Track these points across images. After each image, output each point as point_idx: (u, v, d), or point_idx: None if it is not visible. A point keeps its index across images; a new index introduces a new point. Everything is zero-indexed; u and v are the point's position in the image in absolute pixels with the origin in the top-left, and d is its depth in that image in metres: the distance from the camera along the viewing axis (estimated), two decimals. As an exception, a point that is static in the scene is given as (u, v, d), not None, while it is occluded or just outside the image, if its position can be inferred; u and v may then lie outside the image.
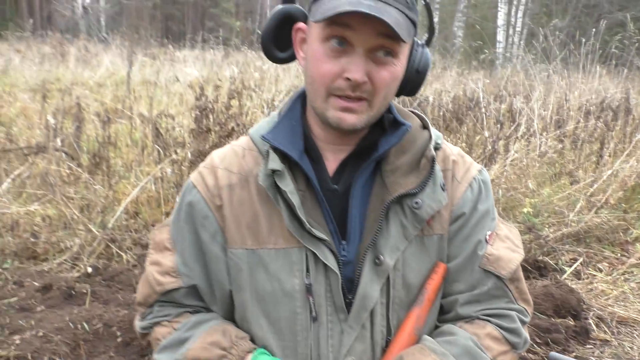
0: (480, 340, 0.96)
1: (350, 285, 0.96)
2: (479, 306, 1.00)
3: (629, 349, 2.74)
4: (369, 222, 0.96)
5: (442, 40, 16.84)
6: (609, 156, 4.92)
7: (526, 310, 1.03)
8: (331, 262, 0.93)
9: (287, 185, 0.92)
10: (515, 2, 18.75)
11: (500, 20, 17.15)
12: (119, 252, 3.24)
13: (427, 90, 6.43)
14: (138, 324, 1.07)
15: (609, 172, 4.47)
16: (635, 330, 2.91)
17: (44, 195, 3.43)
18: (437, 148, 1.01)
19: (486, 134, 4.87)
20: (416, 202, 0.94)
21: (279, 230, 0.96)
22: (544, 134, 5.18)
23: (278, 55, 1.00)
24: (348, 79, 0.86)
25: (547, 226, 4.02)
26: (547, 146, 4.94)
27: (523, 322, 1.02)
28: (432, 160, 0.96)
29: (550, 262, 3.59)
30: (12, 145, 3.84)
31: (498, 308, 1.00)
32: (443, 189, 0.97)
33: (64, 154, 3.96)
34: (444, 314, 1.04)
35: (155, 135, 3.97)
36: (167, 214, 3.66)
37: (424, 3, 0.97)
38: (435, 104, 5.72)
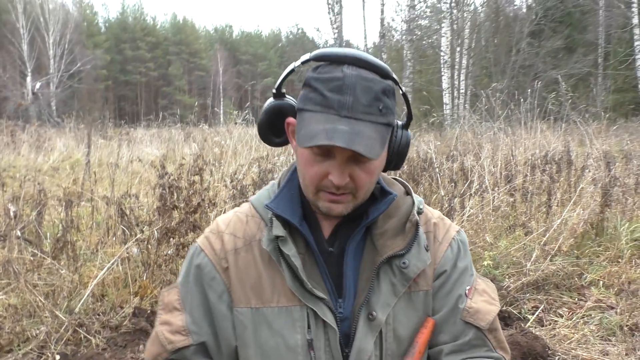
0: None
1: (347, 340, 1.05)
2: (462, 355, 1.08)
3: (595, 390, 2.85)
4: (362, 281, 1.07)
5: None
6: (557, 206, 5.19)
7: (504, 358, 1.12)
8: (330, 319, 1.03)
9: (290, 249, 1.03)
10: (457, 67, 19.81)
11: (445, 84, 18.07)
12: (87, 336, 3.19)
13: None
14: None
15: (559, 221, 4.72)
16: (599, 371, 3.03)
17: (7, 284, 3.37)
18: (419, 212, 1.12)
19: (442, 192, 5.09)
20: (403, 262, 1.05)
21: (281, 290, 1.06)
22: (496, 189, 5.45)
23: (274, 140, 1.13)
24: (332, 181, 0.99)
25: (507, 277, 4.18)
26: (499, 200, 5.18)
27: None
28: (417, 225, 1.08)
29: (514, 311, 3.72)
30: (-29, 236, 3.79)
31: (479, 357, 1.08)
32: (427, 250, 1.08)
33: (25, 240, 3.93)
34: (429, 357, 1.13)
35: (120, 215, 4.00)
36: (136, 294, 3.64)
37: (401, 93, 1.09)
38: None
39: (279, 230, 1.03)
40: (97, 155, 8.88)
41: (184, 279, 1.13)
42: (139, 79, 59.18)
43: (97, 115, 14.95)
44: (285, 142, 1.14)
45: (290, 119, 1.09)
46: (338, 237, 1.11)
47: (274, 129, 1.12)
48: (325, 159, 0.99)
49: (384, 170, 1.11)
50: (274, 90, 1.11)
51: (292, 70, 1.11)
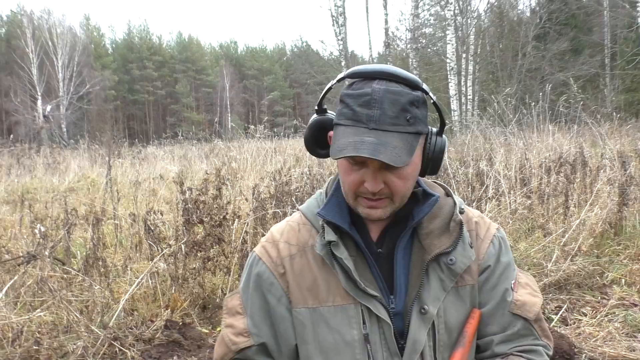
0: None
1: (401, 333, 1.14)
2: (511, 344, 1.18)
3: (624, 385, 2.88)
4: (412, 278, 1.16)
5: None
6: (575, 207, 5.23)
7: (549, 345, 1.22)
8: (383, 314, 1.12)
9: (342, 252, 1.11)
10: (463, 73, 19.88)
11: (452, 90, 18.12)
12: (122, 349, 3.27)
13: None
14: None
15: (577, 221, 4.76)
16: (627, 367, 3.06)
17: (44, 301, 3.47)
18: (461, 212, 1.20)
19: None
20: (450, 259, 1.14)
21: (336, 290, 1.15)
22: (512, 192, 5.49)
23: (320, 152, 1.22)
24: (368, 188, 1.09)
25: (528, 278, 4.21)
26: (516, 204, 5.23)
27: (548, 355, 1.21)
28: (461, 224, 1.16)
29: (538, 312, 3.75)
30: (5, 256, 3.89)
31: (527, 344, 1.19)
32: (471, 247, 1.17)
33: (55, 259, 4.04)
34: (481, 352, 1.22)
35: (146, 231, 4.09)
36: (166, 307, 3.72)
37: (432, 102, 1.15)
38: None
39: (330, 235, 1.12)
40: (114, 174, 9.01)
41: (244, 285, 1.23)
42: (147, 98, 59.81)
43: (110, 135, 15.12)
44: (329, 154, 1.19)
45: (331, 133, 1.16)
46: (386, 239, 1.19)
47: (318, 142, 1.21)
48: (361, 168, 1.08)
49: (422, 175, 1.19)
50: (315, 107, 1.21)
51: (330, 88, 1.22)
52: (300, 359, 1.20)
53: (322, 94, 1.20)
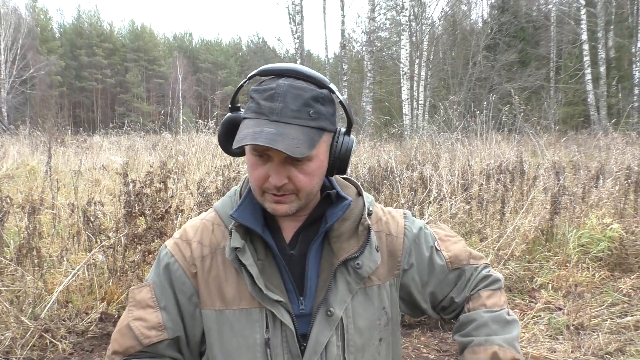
0: (487, 306, 1.26)
1: (304, 334, 1.16)
2: (466, 289, 1.29)
3: (544, 384, 3.04)
4: (321, 281, 1.18)
5: (352, 115, 17.76)
6: (510, 213, 5.45)
7: (484, 263, 1.33)
8: (286, 320, 1.14)
9: (247, 259, 1.13)
10: (416, 78, 20.28)
11: (404, 95, 18.44)
12: (53, 341, 3.20)
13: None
14: None
15: (512, 227, 4.96)
16: (548, 366, 3.23)
17: (-29, 291, 3.35)
18: (369, 214, 1.24)
19: (402, 200, 5.27)
20: (357, 264, 1.17)
21: (243, 294, 1.16)
22: (453, 197, 5.67)
23: (232, 150, 1.20)
24: (273, 184, 1.09)
25: (463, 281, 4.37)
26: (456, 208, 5.40)
27: (488, 269, 1.33)
28: (369, 229, 1.19)
29: (470, 313, 3.90)
30: None
31: (475, 278, 1.30)
32: (377, 250, 1.21)
33: (-14, 248, 3.89)
34: (447, 311, 1.32)
35: (85, 222, 4.01)
36: (102, 300, 3.66)
37: (339, 101, 1.17)
38: (353, 176, 6.10)
39: (236, 242, 1.13)
40: (55, 163, 8.72)
41: (157, 279, 1.22)
42: (95, 86, 58.03)
43: (53, 121, 14.58)
44: (243, 152, 1.22)
45: None
46: (299, 241, 1.21)
47: (230, 139, 1.20)
48: (266, 162, 1.09)
49: (330, 174, 1.20)
50: (228, 104, 1.22)
51: (242, 85, 1.24)
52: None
53: (235, 91, 1.21)
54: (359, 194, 1.27)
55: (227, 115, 1.22)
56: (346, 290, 1.17)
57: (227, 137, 1.21)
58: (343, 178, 1.31)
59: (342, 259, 1.16)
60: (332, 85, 1.13)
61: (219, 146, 1.25)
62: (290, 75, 1.10)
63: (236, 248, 1.13)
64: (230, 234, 1.14)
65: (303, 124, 1.06)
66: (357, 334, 1.18)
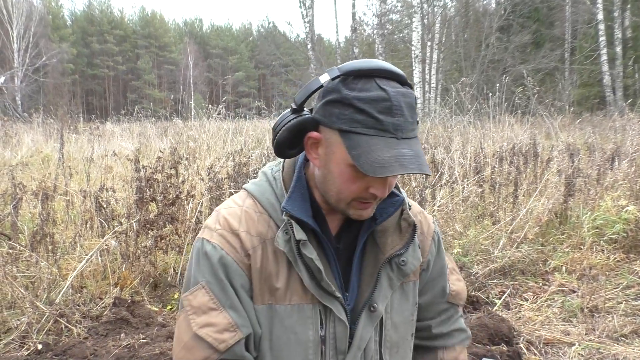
0: None
1: (349, 330, 1.14)
2: (445, 325, 1.33)
3: (557, 367, 3.03)
4: (365, 276, 1.16)
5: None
6: (523, 196, 5.40)
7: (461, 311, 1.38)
8: (343, 317, 1.11)
9: (311, 252, 1.07)
10: (428, 61, 20.08)
11: (416, 78, 18.29)
12: (68, 326, 3.24)
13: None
14: None
15: (525, 210, 4.92)
16: (560, 349, 3.21)
17: (-14, 277, 3.39)
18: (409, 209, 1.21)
19: (413, 184, 5.24)
20: (402, 260, 1.16)
21: (294, 288, 1.10)
22: (465, 180, 5.63)
23: (288, 152, 1.12)
24: (373, 194, 1.05)
25: (475, 264, 4.35)
26: (468, 191, 5.36)
27: (463, 317, 1.39)
28: (414, 226, 1.17)
29: (482, 296, 3.89)
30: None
31: (454, 322, 1.34)
32: (419, 247, 1.20)
33: (1, 234, 3.94)
34: (419, 332, 1.31)
35: (97, 208, 4.04)
36: (115, 285, 3.69)
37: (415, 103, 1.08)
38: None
39: (300, 234, 1.06)
40: (68, 150, 8.79)
41: (210, 277, 1.10)
42: (107, 73, 58.21)
43: (66, 109, 14.66)
44: (298, 154, 1.14)
45: (314, 134, 1.07)
46: (344, 235, 1.17)
47: (292, 144, 1.11)
48: (366, 175, 1.00)
49: None
50: (294, 105, 1.08)
51: (321, 86, 1.05)
52: None
53: (306, 93, 1.06)
54: (395, 187, 1.22)
55: (294, 119, 1.08)
56: (388, 287, 1.16)
57: (291, 142, 1.10)
58: None
59: (389, 256, 1.14)
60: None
61: (274, 146, 1.11)
62: (383, 76, 1.01)
63: (299, 241, 1.06)
64: (290, 225, 1.07)
65: (416, 135, 1.03)
66: (393, 330, 1.18)
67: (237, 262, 1.09)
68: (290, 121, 1.08)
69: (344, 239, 1.17)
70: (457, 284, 1.33)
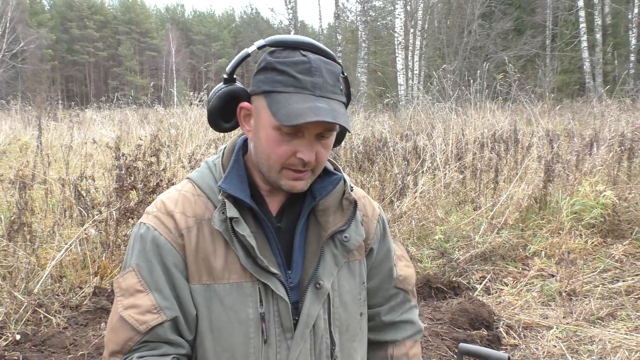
0: (409, 357, 1.33)
1: (295, 308, 1.13)
2: (395, 313, 1.33)
3: (535, 350, 3.07)
4: (309, 253, 1.16)
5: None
6: (504, 182, 5.45)
7: (415, 303, 1.38)
8: (282, 292, 1.11)
9: (244, 229, 1.07)
10: (411, 48, 20.06)
11: (399, 65, 18.28)
12: (47, 316, 3.20)
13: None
14: None
15: (505, 196, 4.97)
16: (539, 332, 3.26)
17: (-37, 267, 3.34)
18: (351, 189, 1.22)
19: (395, 170, 5.25)
20: (345, 237, 1.16)
21: (232, 267, 1.10)
22: (447, 166, 5.65)
23: (223, 125, 1.16)
24: (301, 159, 1.05)
25: (457, 249, 4.39)
26: (450, 177, 5.39)
27: (417, 312, 1.38)
28: (355, 203, 1.17)
29: (463, 281, 3.93)
30: None
31: (406, 310, 1.34)
32: (362, 224, 1.21)
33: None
34: (370, 321, 1.31)
35: (76, 197, 3.98)
36: (95, 274, 3.66)
37: (342, 77, 1.11)
38: (347, 147, 6.07)
39: (232, 211, 1.06)
40: (47, 138, 8.66)
41: (141, 260, 1.11)
42: (87, 59, 57.31)
43: (45, 96, 14.40)
44: (233, 127, 1.17)
45: (245, 104, 1.11)
46: (285, 214, 1.18)
47: (224, 114, 1.15)
48: (293, 139, 1.05)
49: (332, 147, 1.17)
50: (225, 75, 1.14)
51: (248, 55, 1.13)
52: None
53: (236, 61, 1.13)
54: (336, 169, 1.24)
55: (225, 88, 1.13)
56: (333, 264, 1.16)
57: (223, 111, 1.14)
58: None
59: (331, 232, 1.15)
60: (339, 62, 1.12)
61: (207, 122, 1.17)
62: (307, 49, 1.06)
63: (232, 218, 1.06)
64: (223, 203, 1.08)
65: (339, 99, 1.06)
66: (341, 308, 1.18)
67: (170, 242, 1.10)
68: (220, 90, 1.13)
69: (285, 218, 1.17)
70: (404, 269, 1.34)
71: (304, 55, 1.03)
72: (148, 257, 1.10)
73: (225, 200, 1.08)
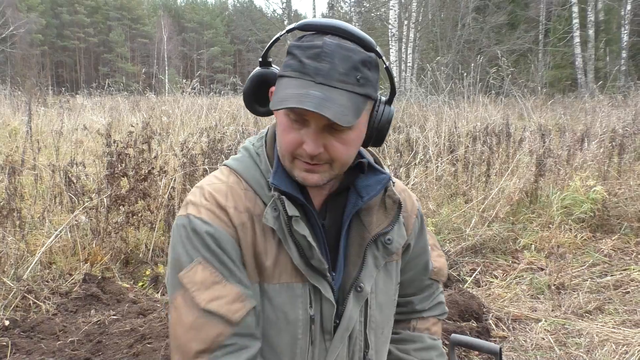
0: (431, 333, 1.33)
1: (336, 310, 1.09)
2: (428, 301, 1.32)
3: (523, 342, 3.10)
4: (351, 255, 1.11)
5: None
6: (495, 175, 5.47)
7: (442, 284, 1.39)
8: (330, 296, 1.07)
9: (303, 229, 1.02)
10: (404, 40, 20.03)
11: (393, 56, 18.24)
12: (37, 302, 3.19)
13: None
14: None
15: (497, 189, 4.99)
16: (528, 325, 3.29)
17: (-49, 252, 3.31)
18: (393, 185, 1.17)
19: (388, 162, 5.25)
20: (388, 239, 1.11)
21: (283, 266, 1.05)
22: (439, 159, 5.67)
23: (259, 109, 1.14)
24: (306, 150, 0.99)
25: (448, 242, 4.41)
26: (442, 170, 5.40)
27: (443, 293, 1.40)
28: (399, 204, 1.12)
29: (453, 273, 3.95)
30: None
31: (436, 297, 1.34)
32: (404, 225, 1.17)
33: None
34: (401, 307, 1.30)
35: (66, 183, 3.95)
36: (85, 261, 3.64)
37: (385, 67, 1.06)
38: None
39: (292, 210, 1.02)
40: (37, 124, 8.57)
41: (207, 252, 1.03)
42: (78, 45, 56.74)
43: (34, 81, 14.24)
44: (270, 112, 1.13)
45: (273, 88, 1.08)
46: (328, 210, 1.12)
47: (258, 97, 1.13)
48: (302, 127, 0.99)
49: (364, 146, 1.11)
50: (259, 59, 1.12)
51: (278, 39, 1.09)
52: None
53: (268, 45, 1.10)
54: (377, 162, 1.17)
55: (256, 70, 1.12)
56: (374, 266, 1.12)
57: (255, 94, 1.13)
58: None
59: (375, 234, 1.10)
60: (379, 49, 1.02)
61: (245, 106, 1.15)
62: (336, 34, 0.99)
63: (292, 217, 1.01)
64: (280, 200, 1.02)
65: (350, 89, 0.96)
66: (377, 310, 1.15)
67: (230, 235, 1.03)
68: (254, 72, 1.12)
69: (328, 216, 1.12)
70: (438, 260, 1.33)
71: (322, 40, 0.97)
72: (212, 249, 1.03)
73: (285, 199, 1.02)
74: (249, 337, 1.02)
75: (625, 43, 19.65)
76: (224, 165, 1.14)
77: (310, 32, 1.01)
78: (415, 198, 1.27)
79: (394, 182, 1.17)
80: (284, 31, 1.08)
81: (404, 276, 1.25)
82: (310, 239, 1.02)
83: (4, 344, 2.75)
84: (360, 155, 1.13)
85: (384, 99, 1.08)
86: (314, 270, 1.05)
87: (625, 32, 19.76)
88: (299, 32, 1.04)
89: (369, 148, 1.18)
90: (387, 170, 1.15)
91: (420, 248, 1.26)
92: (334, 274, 1.10)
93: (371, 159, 1.15)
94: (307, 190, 1.10)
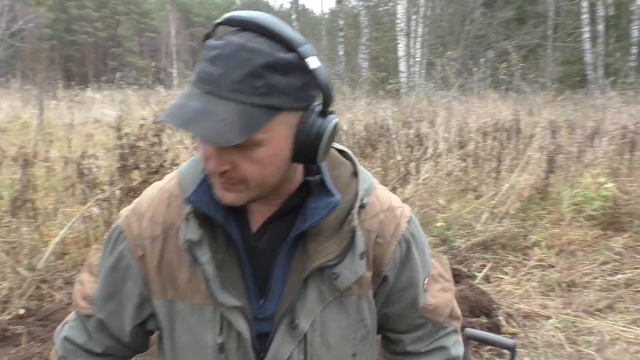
0: None
1: (265, 341, 0.97)
2: (423, 343, 1.10)
3: (533, 339, 3.11)
4: (288, 284, 0.97)
5: (349, 72, 17.61)
6: (506, 171, 5.45)
7: (454, 327, 1.14)
8: (242, 327, 0.95)
9: (204, 254, 0.92)
10: (412, 35, 19.95)
11: (401, 51, 18.19)
12: (51, 292, 3.22)
13: (341, 120, 6.78)
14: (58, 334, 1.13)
15: (507, 185, 4.98)
16: (538, 322, 3.30)
17: (-34, 242, 3.35)
18: (362, 206, 0.98)
19: (398, 157, 5.25)
20: (334, 273, 0.93)
21: (196, 286, 0.96)
22: (449, 154, 5.65)
23: None
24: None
25: (458, 237, 4.41)
26: (452, 165, 5.39)
27: (456, 337, 1.14)
28: (353, 232, 0.94)
29: (464, 269, 3.95)
30: None
31: (439, 339, 1.11)
32: (361, 258, 0.96)
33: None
34: (392, 345, 1.13)
35: (79, 175, 3.98)
36: (98, 252, 3.67)
37: (309, 70, 0.84)
38: (350, 133, 6.06)
39: (192, 233, 0.91)
40: (48, 117, 8.62)
41: (106, 251, 1.04)
42: (86, 39, 56.84)
43: (44, 75, 14.30)
44: None
45: None
46: (267, 232, 0.99)
47: None
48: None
49: (298, 162, 0.92)
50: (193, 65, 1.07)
51: (209, 36, 0.90)
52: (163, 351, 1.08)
53: (200, 43, 0.94)
54: (355, 173, 1.02)
55: None
56: (317, 301, 0.96)
57: None
58: (338, 151, 1.05)
59: (316, 266, 0.93)
60: (304, 48, 0.83)
61: None
62: (251, 30, 0.84)
63: (191, 241, 0.91)
64: (188, 220, 0.92)
65: (244, 99, 0.80)
66: (324, 349, 0.98)
67: (130, 249, 1.00)
68: None
69: (267, 237, 0.98)
70: (438, 295, 1.09)
71: (225, 39, 0.83)
72: (110, 250, 1.03)
73: (190, 217, 0.92)
74: (82, 338, 1.08)
75: (635, 39, 19.50)
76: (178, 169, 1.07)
77: (234, 28, 0.86)
78: (405, 219, 1.04)
79: (364, 203, 0.98)
80: (212, 29, 0.92)
81: (389, 309, 1.06)
82: (207, 266, 0.92)
83: (20, 331, 2.79)
84: (313, 171, 0.97)
85: (317, 108, 0.89)
86: (223, 302, 0.94)
87: (636, 27, 19.62)
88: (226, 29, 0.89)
89: (348, 152, 1.05)
90: (337, 194, 0.95)
91: (405, 281, 1.04)
92: (262, 302, 0.98)
93: (326, 176, 0.96)
94: (246, 208, 0.98)
